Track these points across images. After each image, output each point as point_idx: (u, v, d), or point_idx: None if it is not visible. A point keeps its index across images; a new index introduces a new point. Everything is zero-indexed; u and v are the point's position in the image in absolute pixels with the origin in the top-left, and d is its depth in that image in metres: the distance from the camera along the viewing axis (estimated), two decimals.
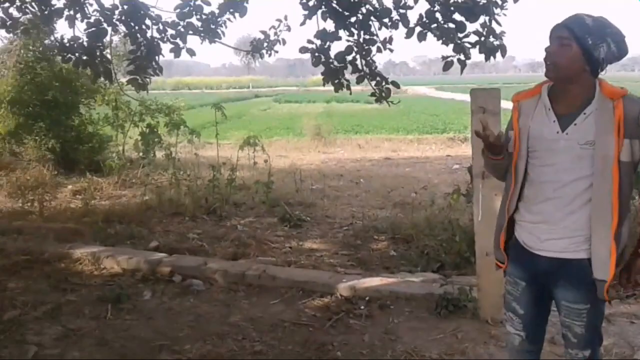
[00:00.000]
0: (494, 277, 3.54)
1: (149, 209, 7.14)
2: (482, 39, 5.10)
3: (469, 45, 5.15)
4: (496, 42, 5.13)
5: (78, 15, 5.05)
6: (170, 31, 5.25)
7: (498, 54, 5.19)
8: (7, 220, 6.48)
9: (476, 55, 5.26)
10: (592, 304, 2.12)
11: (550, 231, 2.14)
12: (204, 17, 5.25)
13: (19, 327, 3.74)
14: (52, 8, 5.09)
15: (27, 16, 5.54)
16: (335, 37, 5.31)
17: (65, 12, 5.04)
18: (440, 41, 5.17)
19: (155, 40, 5.25)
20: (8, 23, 5.22)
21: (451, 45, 5.15)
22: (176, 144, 10.55)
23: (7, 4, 4.89)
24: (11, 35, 9.23)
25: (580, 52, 1.99)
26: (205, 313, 4.01)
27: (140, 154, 10.00)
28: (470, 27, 5.09)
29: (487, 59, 5.25)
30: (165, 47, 5.36)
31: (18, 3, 5.06)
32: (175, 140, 10.67)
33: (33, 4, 5.17)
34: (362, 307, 4.03)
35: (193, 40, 5.38)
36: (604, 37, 1.99)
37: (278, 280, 4.49)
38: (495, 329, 3.60)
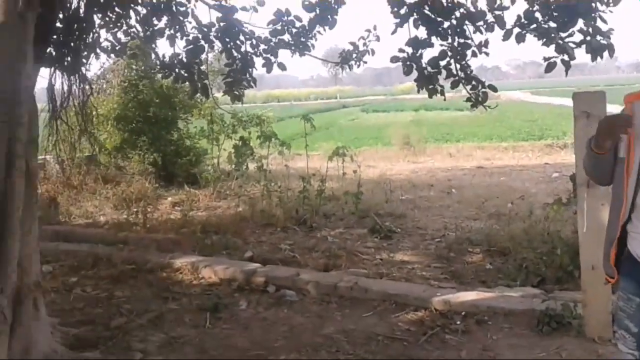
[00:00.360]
0: (601, 292, 3.34)
1: (243, 219, 7.35)
2: (588, 38, 4.82)
3: (573, 45, 4.89)
4: (603, 41, 4.84)
5: (178, 34, 5.32)
6: (263, 46, 5.41)
7: (605, 54, 4.89)
8: (113, 231, 6.91)
9: (576, 57, 4.98)
10: None
11: None
12: (294, 31, 5.36)
13: (125, 334, 3.96)
14: (155, 28, 5.41)
15: (134, 40, 5.91)
16: (428, 44, 5.23)
17: (167, 32, 5.33)
18: (541, 42, 4.95)
19: (249, 54, 5.44)
20: (117, 48, 5.59)
21: (552, 46, 4.92)
22: (267, 155, 10.84)
23: (115, 30, 5.24)
24: None
25: None
26: (299, 324, 4.05)
27: (234, 166, 10.38)
28: (575, 26, 4.83)
29: (593, 59, 4.95)
30: (258, 62, 5.54)
31: (125, 27, 5.40)
32: (267, 152, 10.97)
33: (137, 26, 5.51)
34: (458, 322, 3.91)
35: (283, 53, 5.51)
36: None
37: (370, 293, 4.46)
38: (602, 348, 3.37)
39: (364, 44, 5.87)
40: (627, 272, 2.16)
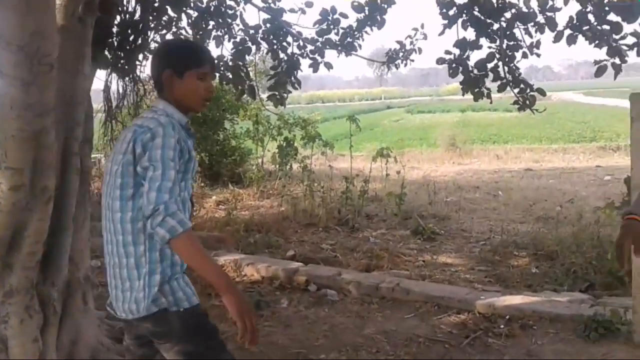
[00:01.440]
0: None
1: (285, 219, 7.42)
2: None
3: (625, 48, 4.73)
4: None
5: (225, 36, 5.42)
6: (309, 47, 5.45)
7: None
8: None
9: (631, 57, 4.81)
10: None
11: None
12: (341, 30, 5.38)
13: None
14: (203, 31, 5.52)
15: None
16: (476, 45, 5.15)
17: (214, 33, 5.43)
18: (593, 44, 4.80)
19: (296, 55, 5.48)
20: None
21: (604, 48, 4.77)
22: (311, 156, 10.90)
23: (165, 32, 5.37)
24: None
25: None
26: (340, 324, 4.06)
27: (277, 166, 10.48)
28: (627, 28, 4.67)
29: None
30: (304, 62, 5.58)
31: (174, 29, 5.53)
32: (310, 152, 11.03)
33: (187, 28, 5.64)
34: (502, 326, 3.84)
35: (329, 54, 5.53)
36: None
37: (412, 294, 4.43)
38: None
39: (411, 43, 5.84)
40: None
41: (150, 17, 4.91)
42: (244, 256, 5.57)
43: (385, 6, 5.20)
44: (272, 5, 5.34)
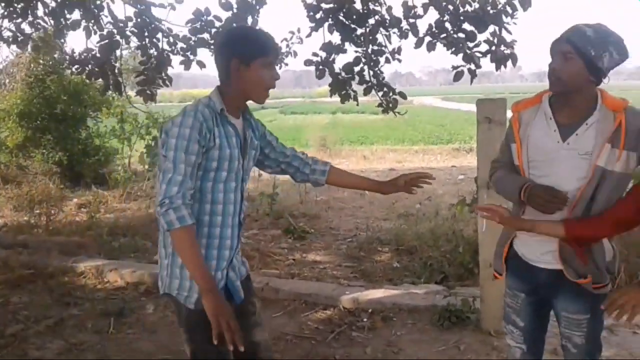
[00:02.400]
0: (496, 288, 3.52)
1: (153, 221, 7.14)
2: (493, 48, 5.10)
3: (479, 55, 5.15)
4: (507, 51, 5.12)
5: (94, 27, 5.13)
6: (181, 44, 5.32)
7: (509, 63, 5.18)
8: (12, 234, 6.52)
9: (483, 65, 5.25)
10: (592, 314, 2.10)
11: (549, 243, 2.13)
12: (214, 30, 5.31)
13: (21, 341, 3.75)
14: (68, 22, 5.18)
15: (39, 32, 5.62)
16: (341, 49, 5.34)
17: (83, 23, 5.12)
18: (450, 51, 5.17)
19: (166, 52, 5.32)
20: (19, 39, 5.30)
21: (461, 55, 5.15)
22: None
23: (19, 20, 4.96)
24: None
25: (584, 64, 1.96)
26: None
27: (146, 166, 10.09)
28: (480, 36, 5.09)
29: (497, 68, 5.23)
30: (175, 59, 5.43)
31: (30, 18, 5.13)
32: None
33: (46, 18, 5.25)
34: (365, 320, 4.02)
35: (202, 52, 5.44)
36: (605, 45, 1.96)
37: (281, 293, 4.49)
38: (497, 341, 3.57)
39: (287, 46, 5.91)
40: (513, 271, 2.31)
41: (2, 4, 4.53)
42: (107, 262, 5.30)
43: (258, 7, 5.22)
44: None
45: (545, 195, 2.03)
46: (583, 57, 1.96)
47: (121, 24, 5.13)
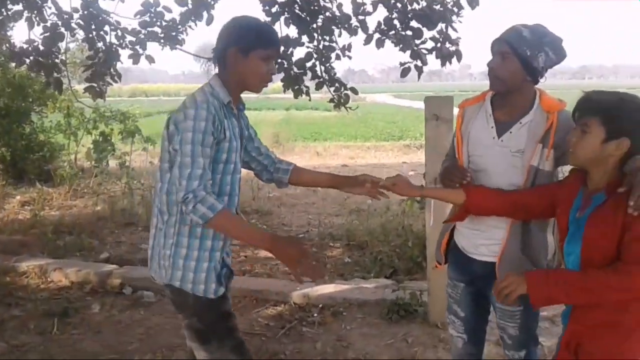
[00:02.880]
0: (443, 281, 3.59)
1: (101, 219, 7.00)
2: (439, 45, 5.19)
3: (425, 52, 5.23)
4: (452, 48, 5.23)
5: (37, 19, 4.94)
6: (129, 38, 5.19)
7: (454, 60, 5.29)
8: None
9: (434, 64, 5.34)
10: (525, 306, 2.16)
11: (484, 236, 2.21)
12: (164, 23, 5.19)
13: None
14: (9, 13, 4.98)
15: None
16: (298, 42, 5.32)
17: (25, 14, 4.92)
18: (398, 48, 5.24)
19: (114, 46, 5.18)
20: None
21: (409, 52, 5.23)
22: (130, 152, 10.39)
23: None
24: None
25: (521, 64, 2.04)
26: (156, 325, 3.95)
27: (93, 162, 9.81)
28: (427, 33, 5.17)
29: (443, 64, 5.33)
30: (124, 53, 5.29)
31: None
32: (130, 148, 10.50)
33: None
34: (315, 315, 4.05)
35: (152, 47, 5.35)
36: (541, 46, 2.04)
37: (232, 290, 4.43)
38: (444, 333, 3.66)
39: None
40: (453, 262, 2.40)
41: None
42: (52, 261, 5.13)
43: (212, 2, 5.14)
44: None
45: (444, 176, 2.22)
46: (519, 57, 2.04)
47: (66, 16, 4.96)
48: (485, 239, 2.21)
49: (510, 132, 2.13)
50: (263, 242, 2.02)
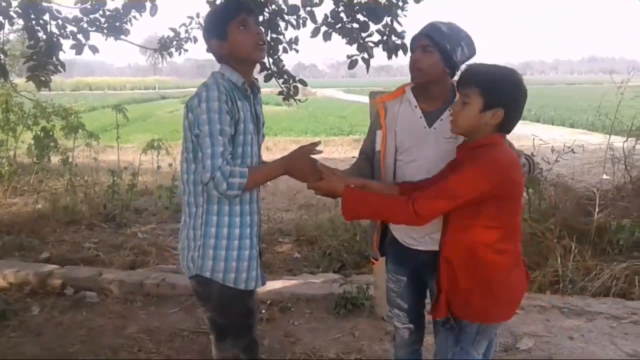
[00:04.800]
0: None
1: (42, 217, 6.76)
2: (385, 38, 5.25)
3: (372, 45, 5.28)
4: (398, 42, 5.30)
5: None
6: (71, 27, 5.01)
7: (402, 55, 5.36)
8: None
9: (383, 59, 5.40)
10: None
11: (427, 228, 2.25)
12: (107, 13, 5.04)
13: None
14: None
15: None
16: None
17: None
18: (345, 40, 5.28)
19: (55, 35, 4.99)
20: None
21: (355, 45, 5.27)
22: (73, 148, 10.06)
23: None
24: None
25: (441, 57, 2.17)
26: (99, 326, 3.85)
27: (34, 159, 9.45)
28: (374, 27, 5.23)
29: (389, 57, 5.40)
30: (66, 44, 5.11)
31: None
32: (73, 144, 10.17)
33: None
34: (263, 311, 4.04)
35: (96, 38, 5.19)
36: (459, 41, 2.18)
37: (178, 288, 4.39)
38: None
39: (186, 31, 5.73)
40: (393, 256, 2.45)
41: None
42: None
43: None
44: None
45: (301, 177, 2.22)
46: (440, 50, 2.16)
47: (4, 4, 4.75)
48: (428, 230, 2.26)
49: (441, 120, 2.24)
50: (281, 170, 2.10)
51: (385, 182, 2.31)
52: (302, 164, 2.09)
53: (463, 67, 2.18)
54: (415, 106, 2.29)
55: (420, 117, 2.27)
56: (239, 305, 2.19)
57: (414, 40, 2.22)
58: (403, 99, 2.34)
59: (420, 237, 2.30)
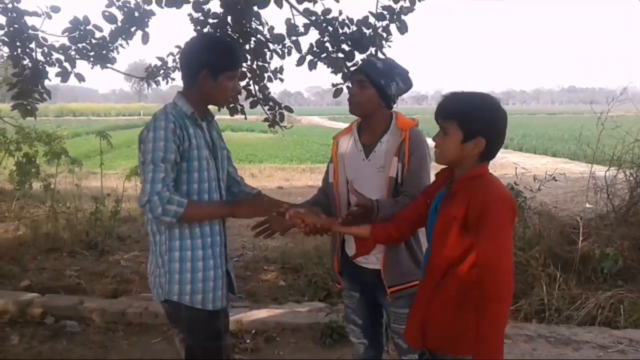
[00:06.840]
0: None
1: (22, 244, 6.64)
2: None
3: None
4: None
5: None
6: (57, 55, 5.00)
7: None
8: None
9: None
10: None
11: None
12: (94, 41, 5.05)
13: None
14: None
15: None
16: None
17: None
18: (330, 70, 5.34)
19: (41, 63, 4.98)
20: None
21: (340, 74, 5.33)
22: (56, 174, 9.95)
23: None
24: None
25: (376, 91, 2.32)
26: (79, 357, 3.76)
27: (15, 185, 9.32)
28: (358, 56, 5.30)
29: None
30: (52, 71, 5.10)
31: None
32: (55, 170, 10.06)
33: None
34: (248, 341, 3.98)
35: (82, 65, 5.16)
36: (393, 76, 2.33)
37: (161, 317, 4.29)
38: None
39: (174, 60, 5.76)
40: (347, 273, 2.56)
41: None
42: None
43: (146, 19, 5.04)
44: (11, 4, 4.79)
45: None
46: (375, 85, 2.31)
47: None
48: (375, 250, 2.36)
49: (374, 152, 2.37)
50: (227, 211, 2.22)
51: (341, 212, 2.43)
52: (247, 214, 2.25)
53: (406, 95, 2.30)
54: (357, 140, 2.44)
55: (360, 150, 2.42)
56: (207, 327, 2.23)
57: (352, 75, 2.39)
58: (352, 134, 2.48)
59: (366, 256, 2.40)
